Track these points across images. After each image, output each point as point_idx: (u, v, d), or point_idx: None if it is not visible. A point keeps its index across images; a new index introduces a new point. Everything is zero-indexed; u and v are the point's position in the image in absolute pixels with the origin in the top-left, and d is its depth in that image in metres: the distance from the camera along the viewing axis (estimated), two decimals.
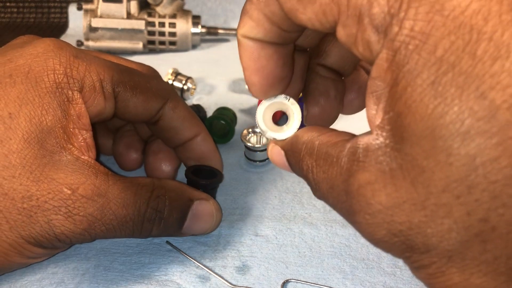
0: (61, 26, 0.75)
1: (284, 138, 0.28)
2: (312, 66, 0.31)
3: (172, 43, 0.66)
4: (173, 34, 0.65)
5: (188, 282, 0.32)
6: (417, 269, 0.21)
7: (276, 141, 0.28)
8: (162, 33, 0.65)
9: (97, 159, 0.33)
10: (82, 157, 0.31)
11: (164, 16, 0.65)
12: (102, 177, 0.31)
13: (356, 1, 0.21)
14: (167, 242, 0.35)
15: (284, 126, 0.29)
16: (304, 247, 0.35)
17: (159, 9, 0.65)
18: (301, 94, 0.31)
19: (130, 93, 0.35)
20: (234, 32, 0.69)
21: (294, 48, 0.28)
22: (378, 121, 0.21)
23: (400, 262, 0.34)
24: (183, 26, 0.65)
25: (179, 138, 0.39)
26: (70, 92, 0.31)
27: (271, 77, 0.27)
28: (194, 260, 0.34)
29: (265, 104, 0.28)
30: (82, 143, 0.32)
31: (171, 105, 0.37)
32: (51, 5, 0.78)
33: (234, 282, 0.32)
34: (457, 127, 0.18)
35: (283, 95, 0.28)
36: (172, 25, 0.65)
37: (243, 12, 0.26)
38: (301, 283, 0.33)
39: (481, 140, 0.18)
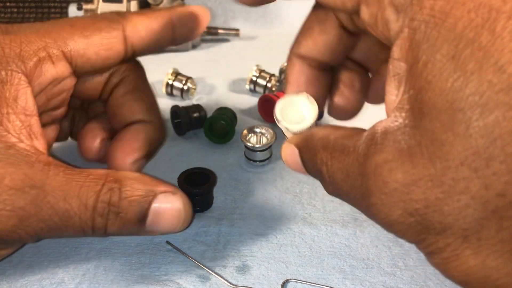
0: None
1: (298, 129, 0.28)
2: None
3: None
4: None
5: (188, 282, 0.32)
6: (431, 254, 0.21)
7: (289, 139, 0.29)
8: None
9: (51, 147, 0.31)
10: (19, 144, 0.28)
11: None
12: (39, 166, 0.27)
13: None
14: (167, 242, 0.35)
15: (300, 120, 0.29)
16: (304, 247, 0.35)
17: None
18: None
19: (83, 45, 0.32)
20: (234, 32, 0.69)
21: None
22: (397, 103, 0.21)
23: (400, 262, 0.34)
24: None
25: (163, 41, 0.35)
26: (2, 73, 0.28)
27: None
28: (194, 260, 0.34)
29: (286, 98, 0.29)
30: (22, 130, 0.28)
31: (130, 28, 0.34)
32: (51, 5, 0.78)
33: (234, 282, 0.32)
34: (476, 99, 0.18)
35: (305, 93, 0.29)
36: None
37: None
38: (301, 283, 0.33)
39: (500, 112, 0.18)
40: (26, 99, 0.29)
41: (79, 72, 0.33)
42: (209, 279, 0.33)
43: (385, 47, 0.31)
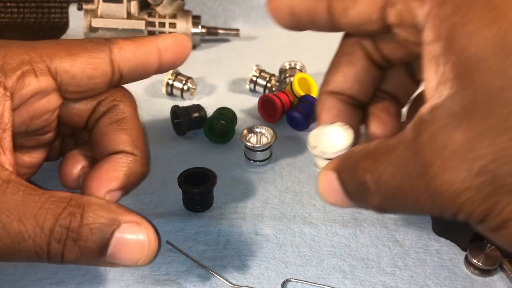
0: (61, 26, 0.75)
1: (335, 152, 0.27)
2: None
3: None
4: None
5: (188, 281, 0.32)
6: (505, 224, 0.19)
7: (324, 166, 0.27)
8: (162, 33, 0.65)
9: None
10: None
11: (164, 16, 0.65)
12: None
13: None
14: (167, 241, 0.36)
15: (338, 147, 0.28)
16: (304, 246, 0.35)
17: (159, 9, 0.65)
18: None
19: (70, 63, 0.31)
20: (234, 32, 0.69)
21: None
22: (438, 81, 0.21)
23: (400, 262, 0.34)
24: (183, 26, 0.65)
25: (153, 61, 0.34)
26: None
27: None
28: (194, 259, 0.34)
29: (319, 128, 0.29)
30: None
31: (116, 50, 0.33)
32: (51, 5, 0.78)
33: (234, 282, 0.32)
34: None
35: (339, 122, 0.29)
36: (172, 25, 0.65)
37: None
38: (301, 282, 0.33)
39: None
40: (1, 112, 0.28)
41: (64, 91, 0.32)
42: (209, 278, 0.33)
43: (414, 80, 0.32)
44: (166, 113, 0.50)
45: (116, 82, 0.34)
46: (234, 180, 0.42)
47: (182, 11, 0.66)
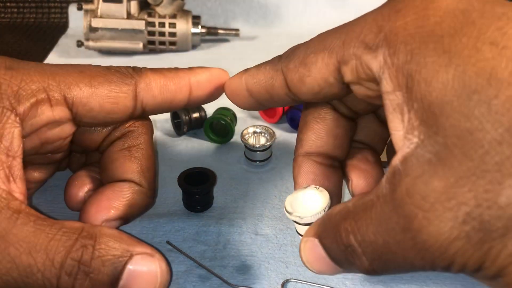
0: (61, 26, 0.75)
1: (311, 217, 0.27)
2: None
3: (172, 43, 0.66)
4: (173, 34, 0.65)
5: (188, 281, 0.32)
6: (497, 276, 0.18)
7: (305, 233, 0.26)
8: (162, 33, 0.65)
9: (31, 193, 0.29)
10: None
11: (164, 16, 0.65)
12: (7, 213, 0.25)
13: (350, 39, 0.24)
14: (167, 242, 0.35)
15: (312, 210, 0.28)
16: None
17: (159, 9, 0.65)
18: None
19: (88, 94, 0.30)
20: (234, 32, 0.69)
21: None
22: (405, 125, 0.20)
23: None
24: (183, 26, 0.65)
25: (178, 101, 0.33)
26: None
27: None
28: (194, 259, 0.34)
29: (294, 194, 0.29)
30: (0, 171, 0.26)
31: (143, 86, 0.32)
32: (51, 5, 0.78)
33: (234, 282, 0.32)
34: (486, 78, 0.19)
35: (313, 185, 0.29)
36: (172, 25, 0.65)
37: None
38: (301, 283, 0.33)
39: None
40: (11, 139, 0.27)
41: (79, 121, 0.31)
42: (209, 279, 0.33)
43: (385, 126, 0.30)
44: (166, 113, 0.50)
45: (137, 116, 0.33)
46: (234, 180, 0.42)
47: (182, 11, 0.66)
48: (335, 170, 0.31)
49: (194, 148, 0.47)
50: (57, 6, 0.78)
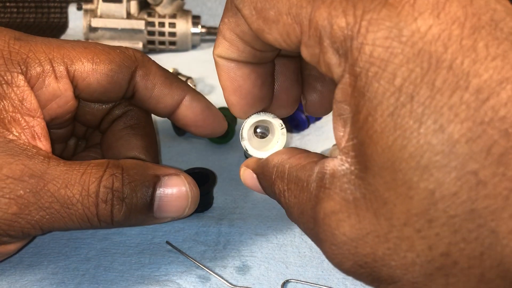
0: (61, 26, 0.75)
1: (254, 155, 0.28)
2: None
3: (172, 43, 0.66)
4: (173, 34, 0.65)
5: (188, 282, 0.32)
6: None
7: (245, 163, 0.29)
8: (162, 33, 0.65)
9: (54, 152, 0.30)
10: (19, 140, 0.28)
11: (164, 16, 0.65)
12: (39, 158, 0.28)
13: (316, 22, 0.20)
14: (167, 242, 0.35)
15: (267, 141, 0.29)
16: (305, 247, 0.35)
17: (159, 9, 0.65)
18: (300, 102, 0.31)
19: (89, 70, 0.31)
20: None
21: (273, 67, 0.28)
22: (343, 144, 0.21)
23: None
24: (183, 26, 0.65)
25: (163, 107, 0.34)
26: (8, 75, 0.29)
27: (249, 97, 0.27)
28: (194, 260, 0.34)
29: (249, 121, 0.29)
30: (26, 130, 0.28)
31: (141, 73, 0.33)
32: (51, 5, 0.78)
33: (234, 282, 0.32)
34: (416, 160, 0.18)
35: (268, 113, 0.29)
36: (172, 25, 0.65)
37: (218, 32, 0.26)
38: (301, 283, 0.33)
39: (440, 174, 0.18)
40: (31, 101, 0.29)
41: (77, 95, 0.32)
42: (209, 279, 0.33)
43: None
44: None
45: (128, 98, 0.34)
46: (234, 180, 0.42)
47: (181, 11, 0.66)
48: (293, 59, 0.29)
49: (194, 148, 0.46)
50: (57, 6, 0.78)
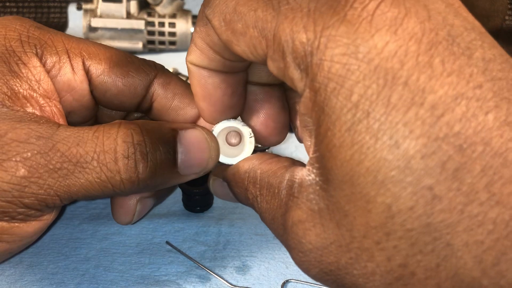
0: (60, 26, 0.75)
1: (224, 161, 0.29)
2: (286, 84, 0.30)
3: (172, 43, 0.66)
4: (173, 34, 0.65)
5: (188, 282, 0.32)
6: None
7: (214, 172, 0.29)
8: (162, 33, 0.65)
9: None
10: (27, 109, 0.27)
11: (163, 16, 0.65)
12: (48, 124, 0.26)
13: (280, 37, 0.20)
14: (167, 242, 0.35)
15: (237, 149, 0.29)
16: None
17: (158, 9, 0.65)
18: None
19: (104, 67, 0.31)
20: None
21: (245, 77, 0.28)
22: (310, 154, 0.22)
23: None
24: (183, 26, 0.65)
25: (183, 119, 0.33)
26: (24, 56, 0.28)
27: (219, 105, 0.28)
28: (194, 260, 0.34)
29: (218, 127, 0.29)
30: (44, 108, 0.28)
31: (161, 81, 0.32)
32: (50, 5, 0.78)
33: (234, 282, 0.32)
34: (373, 175, 0.18)
35: (237, 120, 0.29)
36: (172, 25, 0.65)
37: (191, 39, 0.26)
38: (301, 283, 0.33)
39: (396, 189, 0.18)
40: (48, 83, 0.29)
41: (91, 91, 0.32)
42: (209, 279, 0.33)
43: None
44: None
45: (145, 110, 0.33)
46: None
47: (181, 11, 0.66)
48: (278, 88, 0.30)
49: None
50: (57, 6, 0.78)
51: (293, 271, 0.33)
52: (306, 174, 0.22)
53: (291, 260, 0.34)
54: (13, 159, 0.25)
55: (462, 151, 0.17)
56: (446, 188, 0.18)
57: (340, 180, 0.19)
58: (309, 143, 0.22)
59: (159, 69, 0.33)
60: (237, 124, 0.29)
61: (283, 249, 0.35)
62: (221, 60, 0.25)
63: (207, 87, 0.27)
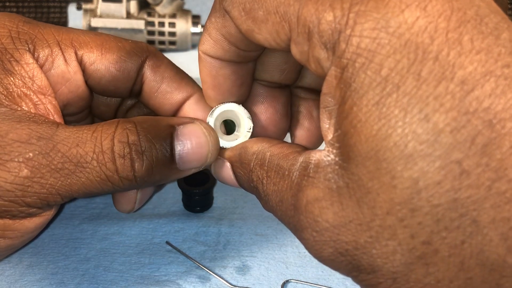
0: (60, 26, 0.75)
1: (229, 146, 0.28)
2: (292, 90, 0.31)
3: (172, 42, 0.66)
4: (173, 34, 0.65)
5: (188, 282, 0.32)
6: (366, 287, 0.21)
7: (221, 152, 0.28)
8: (161, 33, 0.65)
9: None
10: (26, 112, 0.27)
11: (163, 16, 0.65)
12: (47, 124, 0.27)
13: (304, 18, 0.20)
14: (167, 242, 0.35)
15: (234, 135, 0.29)
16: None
17: (158, 9, 0.65)
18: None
19: (97, 55, 0.31)
20: None
21: (254, 67, 0.28)
22: (329, 136, 0.21)
23: None
24: (183, 26, 0.65)
25: (169, 104, 0.32)
26: (16, 53, 0.28)
27: (227, 94, 0.28)
28: (194, 260, 0.34)
29: (216, 112, 0.29)
30: (38, 106, 0.28)
31: (151, 63, 0.32)
32: (50, 5, 0.78)
33: (234, 282, 0.32)
34: (401, 150, 0.18)
35: (234, 103, 0.29)
36: (172, 24, 0.65)
37: (204, 29, 0.26)
38: (301, 283, 0.33)
39: (424, 163, 0.18)
40: (42, 79, 0.29)
41: (86, 81, 0.32)
42: (209, 279, 0.33)
43: None
44: None
45: (136, 93, 0.33)
46: None
47: (181, 11, 0.66)
48: (283, 90, 0.30)
49: None
50: (57, 6, 0.78)
51: (293, 271, 0.33)
52: (324, 155, 0.21)
53: (291, 260, 0.34)
54: (16, 160, 0.25)
55: (491, 127, 0.17)
56: (474, 163, 0.17)
57: (364, 157, 0.19)
58: (327, 126, 0.21)
59: (151, 52, 0.33)
60: (235, 107, 0.29)
61: (283, 249, 0.35)
62: (236, 51, 0.26)
63: (218, 77, 0.27)
